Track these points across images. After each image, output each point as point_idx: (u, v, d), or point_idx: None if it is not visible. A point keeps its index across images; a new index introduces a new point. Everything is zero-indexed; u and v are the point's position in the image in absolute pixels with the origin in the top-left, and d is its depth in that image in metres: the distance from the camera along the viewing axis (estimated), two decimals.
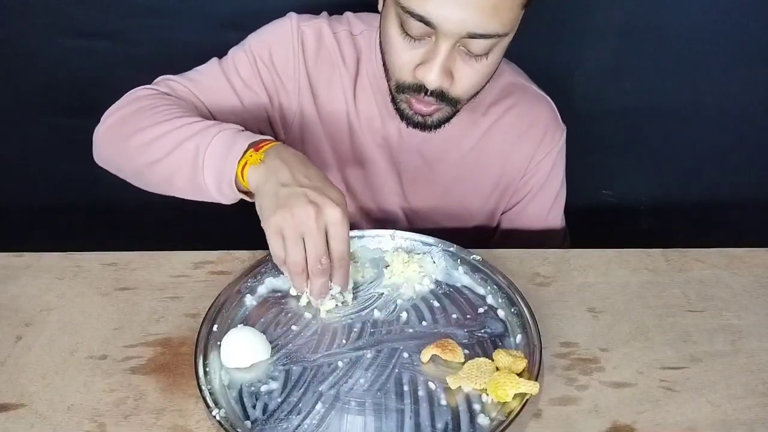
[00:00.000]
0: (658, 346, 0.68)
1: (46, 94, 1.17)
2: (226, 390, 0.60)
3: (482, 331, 0.68)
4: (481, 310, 0.71)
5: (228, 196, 0.71)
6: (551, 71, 1.07)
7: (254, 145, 0.69)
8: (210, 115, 0.84)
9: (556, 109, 0.93)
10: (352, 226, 0.70)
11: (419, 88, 0.73)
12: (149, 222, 1.17)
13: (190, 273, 0.76)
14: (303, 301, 0.70)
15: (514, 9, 0.68)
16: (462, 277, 0.75)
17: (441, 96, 0.73)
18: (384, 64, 0.78)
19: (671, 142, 1.23)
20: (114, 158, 0.80)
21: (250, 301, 0.71)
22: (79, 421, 0.58)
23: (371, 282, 0.74)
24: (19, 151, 1.23)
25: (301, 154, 0.70)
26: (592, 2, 1.10)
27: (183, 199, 0.76)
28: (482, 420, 0.58)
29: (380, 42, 0.77)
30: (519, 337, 0.66)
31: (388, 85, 0.78)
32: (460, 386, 0.60)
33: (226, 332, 0.64)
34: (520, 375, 0.60)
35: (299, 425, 0.57)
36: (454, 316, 0.70)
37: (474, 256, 0.76)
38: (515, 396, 0.59)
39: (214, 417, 0.56)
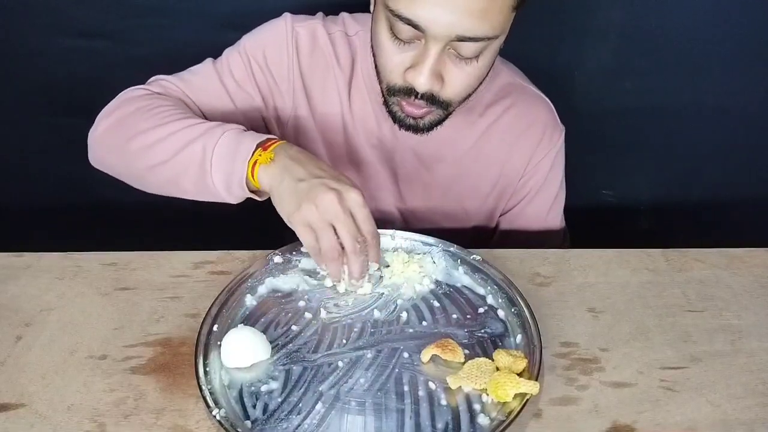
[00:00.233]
0: (658, 346, 0.68)
1: (46, 94, 1.17)
2: (226, 390, 0.60)
3: (482, 331, 0.68)
4: (481, 310, 0.71)
5: (237, 196, 0.72)
6: (551, 71, 1.07)
7: (261, 144, 0.70)
8: (202, 116, 0.84)
9: (554, 109, 0.92)
10: None
11: (409, 91, 0.73)
12: (149, 222, 1.17)
13: (190, 273, 0.76)
14: (341, 288, 0.72)
15: (504, 11, 0.68)
16: (462, 277, 0.75)
17: (431, 99, 0.73)
18: (375, 67, 0.78)
19: (671, 142, 1.23)
20: (112, 161, 0.80)
21: (250, 301, 0.71)
22: (79, 421, 0.58)
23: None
24: (19, 151, 1.23)
25: (306, 151, 0.71)
26: (592, 2, 1.10)
27: (183, 199, 0.76)
28: (482, 420, 0.58)
29: (371, 45, 0.77)
30: (519, 337, 0.66)
31: (380, 87, 0.78)
32: (460, 386, 0.60)
33: (226, 332, 0.64)
34: (520, 375, 0.60)
35: (299, 425, 0.57)
36: (454, 316, 0.70)
37: (474, 256, 0.76)
38: (515, 396, 0.59)
39: (214, 417, 0.56)
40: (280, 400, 0.59)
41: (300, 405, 0.59)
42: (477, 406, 0.59)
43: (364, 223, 0.67)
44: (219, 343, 0.64)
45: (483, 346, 0.66)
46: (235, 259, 0.78)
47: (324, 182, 0.66)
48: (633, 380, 0.64)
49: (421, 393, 0.61)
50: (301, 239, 0.68)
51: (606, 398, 0.62)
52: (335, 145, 0.89)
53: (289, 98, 0.87)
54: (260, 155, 0.69)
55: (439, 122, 0.78)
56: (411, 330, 0.68)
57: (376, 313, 0.70)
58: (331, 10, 0.88)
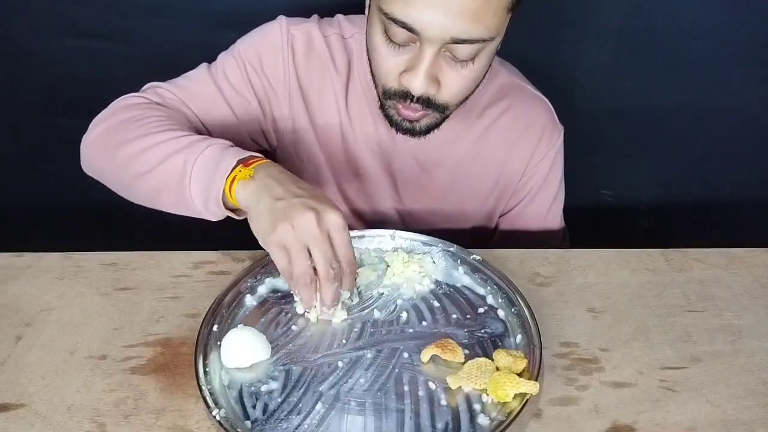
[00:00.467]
0: (658, 346, 0.68)
1: (46, 94, 1.17)
2: (226, 390, 0.60)
3: (482, 331, 0.68)
4: (481, 310, 0.71)
5: (214, 213, 0.69)
6: (551, 71, 1.07)
7: (243, 161, 0.68)
8: (200, 122, 0.83)
9: (553, 109, 0.92)
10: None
11: (405, 95, 0.72)
12: (149, 222, 1.16)
13: (190, 273, 0.76)
14: (313, 317, 0.68)
15: (500, 13, 0.67)
16: (462, 277, 0.75)
17: (427, 102, 0.72)
18: (371, 71, 0.77)
19: (671, 142, 1.23)
20: (102, 169, 0.79)
21: (250, 301, 0.71)
22: (79, 421, 0.58)
23: (371, 282, 0.74)
24: (19, 151, 1.23)
25: (289, 172, 0.68)
26: (592, 2, 1.10)
27: None
28: (482, 420, 0.58)
29: (366, 48, 0.77)
30: (519, 337, 0.66)
31: (376, 90, 0.78)
32: (460, 386, 0.60)
33: (226, 332, 0.64)
34: (520, 375, 0.60)
35: (299, 425, 0.57)
36: (454, 316, 0.70)
37: (474, 256, 0.76)
38: (515, 396, 0.59)
39: (214, 417, 0.56)
40: (280, 400, 0.59)
41: (300, 405, 0.59)
42: (477, 406, 0.59)
43: (341, 249, 0.64)
44: (219, 343, 0.64)
45: (483, 346, 0.66)
46: (235, 259, 0.78)
47: (304, 201, 0.63)
48: (633, 380, 0.64)
49: (421, 393, 0.61)
50: (274, 261, 0.64)
51: (606, 398, 0.62)
52: (333, 149, 0.88)
53: (286, 102, 0.86)
54: (240, 171, 0.66)
55: (436, 126, 0.78)
56: (411, 330, 0.68)
57: (376, 313, 0.70)
58: (330, 11, 0.88)
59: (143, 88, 0.84)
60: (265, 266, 0.73)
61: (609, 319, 0.71)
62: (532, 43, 1.04)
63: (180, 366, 0.64)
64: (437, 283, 0.74)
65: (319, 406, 0.59)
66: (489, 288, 0.73)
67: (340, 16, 0.87)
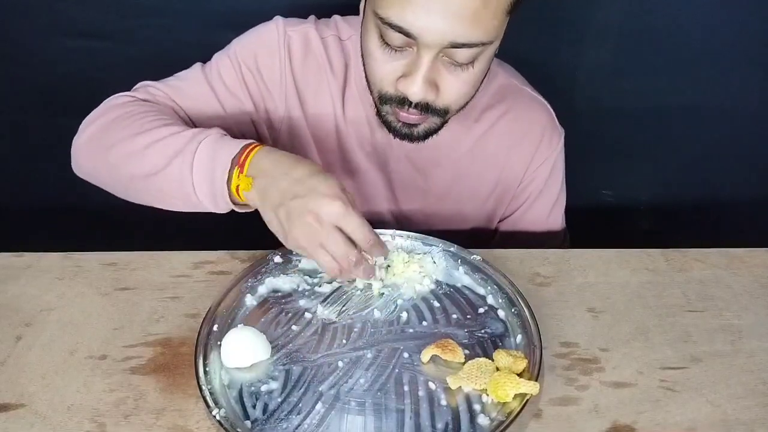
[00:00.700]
0: (658, 346, 0.68)
1: (46, 94, 1.17)
2: (226, 390, 0.60)
3: (482, 331, 0.68)
4: (481, 310, 0.71)
5: (224, 210, 0.70)
6: (551, 71, 1.07)
7: (237, 161, 0.67)
8: (190, 122, 0.82)
9: (552, 112, 0.91)
10: None
11: (402, 101, 0.71)
12: (149, 222, 1.17)
13: (190, 273, 0.76)
14: (359, 284, 0.73)
15: (498, 16, 0.66)
16: (462, 277, 0.75)
17: (426, 108, 0.71)
18: (366, 76, 0.76)
19: (671, 142, 1.23)
20: (95, 169, 0.78)
21: (250, 301, 0.71)
22: (79, 421, 0.58)
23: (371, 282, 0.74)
24: (19, 151, 1.23)
25: (281, 154, 0.68)
26: (592, 2, 1.10)
27: None
28: (482, 420, 0.58)
29: (361, 53, 0.75)
30: (519, 337, 0.66)
31: (372, 96, 0.76)
32: (460, 386, 0.60)
33: (226, 332, 0.64)
34: (520, 375, 0.60)
35: (299, 425, 0.57)
36: (455, 316, 0.70)
37: (474, 256, 0.76)
38: (515, 396, 0.59)
39: (214, 417, 0.56)
40: (280, 400, 0.59)
41: (300, 405, 0.59)
42: (477, 407, 0.59)
43: (353, 234, 0.65)
44: (219, 343, 0.64)
45: (483, 346, 0.66)
46: (235, 259, 0.78)
47: (299, 204, 0.63)
48: (633, 380, 0.64)
49: (421, 393, 0.61)
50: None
51: (606, 398, 0.62)
52: (329, 151, 0.88)
53: (282, 103, 0.85)
54: (241, 180, 0.66)
55: (435, 131, 0.77)
56: (411, 330, 0.68)
57: (376, 313, 0.70)
58: (330, 11, 0.88)
59: (134, 87, 0.83)
60: (265, 266, 0.74)
61: (609, 319, 0.71)
62: (532, 43, 1.04)
63: (180, 366, 0.64)
64: (437, 283, 0.74)
65: (319, 406, 0.59)
66: (489, 288, 0.73)
67: (337, 17, 0.86)
